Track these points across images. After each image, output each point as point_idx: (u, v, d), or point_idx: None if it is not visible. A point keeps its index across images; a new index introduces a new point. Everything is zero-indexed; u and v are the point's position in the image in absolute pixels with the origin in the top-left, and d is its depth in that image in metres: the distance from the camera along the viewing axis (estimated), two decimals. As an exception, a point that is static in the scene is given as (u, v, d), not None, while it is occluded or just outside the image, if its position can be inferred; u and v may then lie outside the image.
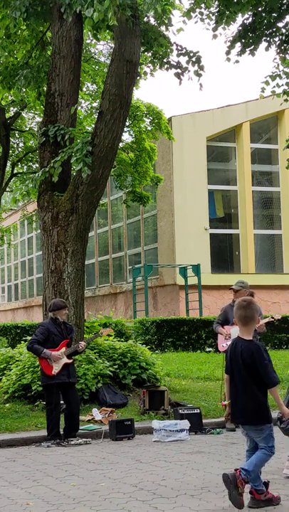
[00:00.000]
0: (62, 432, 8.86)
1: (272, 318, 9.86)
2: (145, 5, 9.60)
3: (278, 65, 12.32)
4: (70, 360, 9.00)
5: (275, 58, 12.29)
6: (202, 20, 11.78)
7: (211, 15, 11.74)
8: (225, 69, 78.92)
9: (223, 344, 9.59)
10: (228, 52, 12.07)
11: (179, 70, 12.02)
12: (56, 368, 8.85)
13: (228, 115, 26.68)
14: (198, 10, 11.60)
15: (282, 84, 12.59)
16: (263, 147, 28.18)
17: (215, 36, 11.89)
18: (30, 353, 10.37)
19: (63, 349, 8.95)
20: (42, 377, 9.13)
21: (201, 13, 11.70)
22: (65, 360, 8.91)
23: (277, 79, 12.35)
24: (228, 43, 12.03)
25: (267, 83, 12.25)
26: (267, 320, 9.95)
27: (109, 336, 12.18)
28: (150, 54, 12.36)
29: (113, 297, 30.54)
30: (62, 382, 8.86)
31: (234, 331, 9.46)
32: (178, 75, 12.03)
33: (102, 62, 19.55)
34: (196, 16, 11.68)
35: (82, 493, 6.02)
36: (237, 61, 12.13)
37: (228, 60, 12.13)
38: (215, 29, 11.78)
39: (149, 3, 9.37)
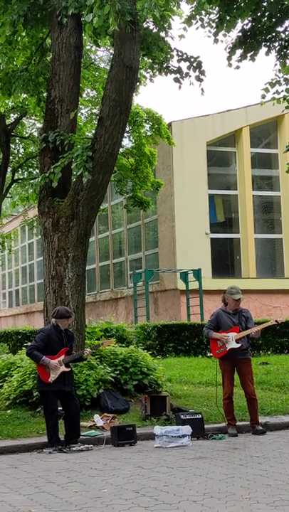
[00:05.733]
0: (63, 438, 8.84)
1: (276, 321, 9.87)
2: (144, 10, 9.62)
3: (279, 71, 12.36)
4: (68, 369, 8.96)
5: (275, 64, 12.34)
6: (203, 26, 11.82)
7: (211, 22, 11.78)
8: (225, 73, 79.11)
9: (218, 351, 9.56)
10: (229, 58, 12.11)
11: (178, 75, 12.03)
12: (53, 376, 8.82)
13: (228, 120, 26.70)
14: (198, 16, 11.64)
15: (282, 91, 12.63)
16: (263, 152, 28.19)
17: (216, 41, 11.93)
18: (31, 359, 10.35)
19: (62, 357, 8.92)
20: (38, 384, 9.13)
21: (202, 20, 11.74)
22: (63, 368, 8.89)
23: (277, 85, 12.39)
24: (229, 49, 12.07)
25: (267, 90, 12.29)
26: (269, 323, 9.94)
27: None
28: (150, 60, 12.37)
29: (114, 302, 30.52)
30: (58, 390, 8.85)
31: (229, 336, 9.45)
32: (177, 80, 12.05)
33: (102, 69, 19.58)
34: (197, 22, 11.72)
35: (84, 499, 6.00)
36: (238, 67, 12.17)
37: (230, 65, 12.17)
38: (216, 34, 11.82)
39: (148, 9, 9.39)
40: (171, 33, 11.82)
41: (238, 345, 9.41)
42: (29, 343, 9.35)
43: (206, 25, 11.82)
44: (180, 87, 12.16)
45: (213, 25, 11.78)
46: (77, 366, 10.28)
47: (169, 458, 7.84)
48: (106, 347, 10.23)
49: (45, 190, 11.41)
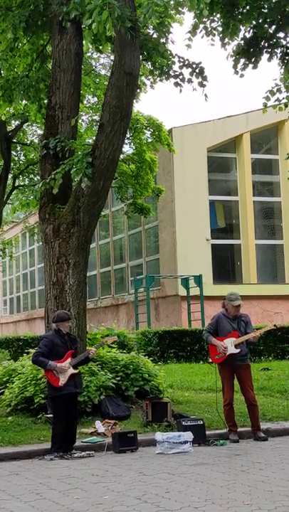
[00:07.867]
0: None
1: (275, 325, 9.89)
2: (142, 16, 9.65)
3: (280, 79, 12.40)
4: (76, 371, 9.00)
5: (280, 72, 12.37)
6: (207, 34, 11.87)
7: (213, 30, 11.83)
8: (225, 79, 79.09)
9: (217, 356, 9.56)
10: (235, 66, 12.18)
11: (178, 80, 12.05)
12: (63, 380, 8.83)
13: (229, 126, 26.75)
14: (202, 25, 11.69)
15: (283, 98, 12.67)
16: (264, 157, 28.23)
17: (224, 45, 11.98)
18: (33, 366, 10.33)
19: (69, 360, 8.94)
20: (49, 390, 9.10)
21: (206, 28, 11.80)
22: (72, 370, 8.91)
23: (277, 93, 12.43)
24: (232, 58, 12.13)
25: (268, 98, 12.34)
26: (268, 328, 9.95)
27: (111, 347, 12.16)
28: (151, 67, 12.39)
29: (115, 309, 30.51)
30: (69, 392, 8.86)
31: (228, 341, 9.45)
32: (178, 84, 12.07)
33: (103, 75, 19.65)
34: (201, 31, 11.77)
35: (85, 506, 5.99)
36: (242, 75, 12.24)
37: (236, 73, 12.25)
38: (223, 39, 11.88)
39: (146, 15, 9.41)
40: (171, 38, 11.88)
41: (238, 350, 9.40)
42: (34, 349, 9.34)
43: (209, 33, 11.88)
44: (181, 91, 12.18)
45: (216, 33, 11.85)
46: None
47: (170, 464, 7.83)
48: (109, 343, 10.18)
49: (46, 197, 11.43)
